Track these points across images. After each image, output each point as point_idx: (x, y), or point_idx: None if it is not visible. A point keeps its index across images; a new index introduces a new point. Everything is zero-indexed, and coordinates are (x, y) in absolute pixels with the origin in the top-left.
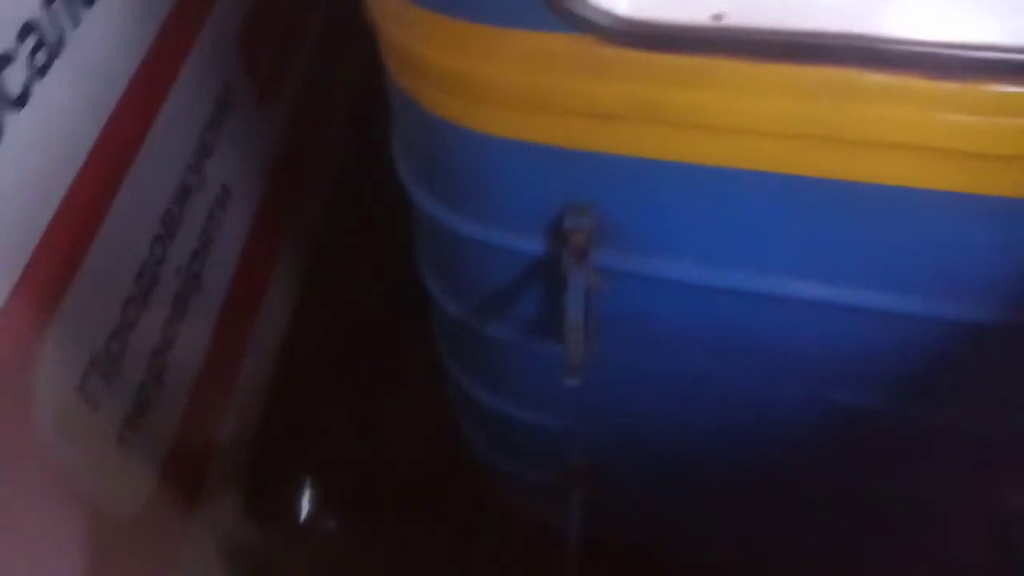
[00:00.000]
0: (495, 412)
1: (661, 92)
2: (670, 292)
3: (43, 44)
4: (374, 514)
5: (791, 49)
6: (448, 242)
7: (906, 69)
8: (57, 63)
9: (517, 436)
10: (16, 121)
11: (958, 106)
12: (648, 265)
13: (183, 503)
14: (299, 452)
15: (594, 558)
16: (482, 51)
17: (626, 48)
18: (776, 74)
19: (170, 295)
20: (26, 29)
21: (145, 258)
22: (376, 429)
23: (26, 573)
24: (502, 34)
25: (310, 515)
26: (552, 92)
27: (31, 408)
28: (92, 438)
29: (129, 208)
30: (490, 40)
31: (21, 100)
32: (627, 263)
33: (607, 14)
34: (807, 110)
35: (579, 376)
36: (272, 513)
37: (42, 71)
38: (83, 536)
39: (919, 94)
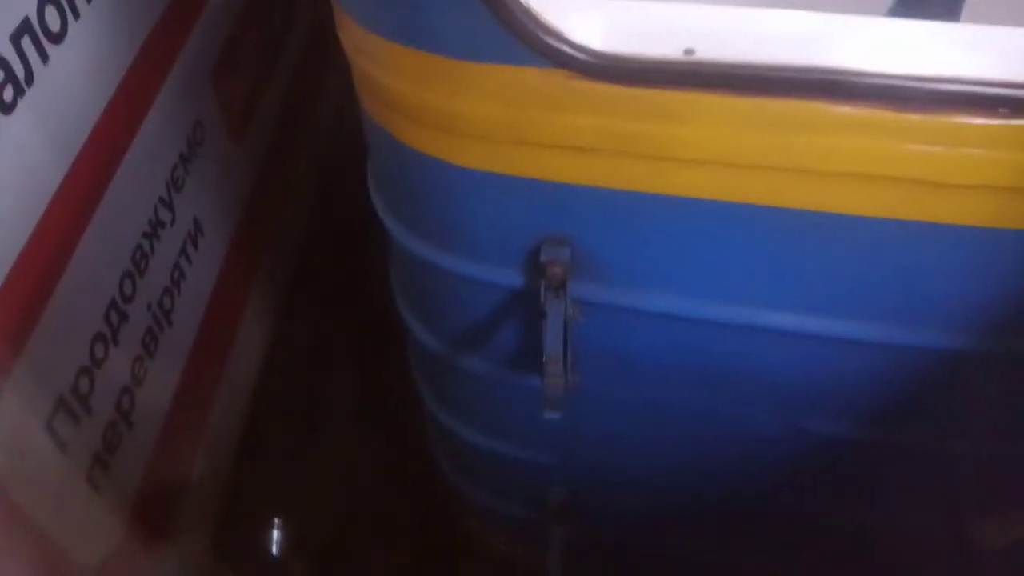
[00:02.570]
0: (474, 447)
1: (634, 125)
2: (647, 322)
3: (10, 81)
4: (345, 556)
5: (760, 82)
6: (424, 275)
7: (872, 101)
8: (24, 100)
9: (497, 471)
10: None
11: (923, 137)
12: (625, 296)
13: (151, 543)
14: (270, 491)
15: None
16: (456, 85)
17: (600, 82)
18: (746, 107)
19: (140, 332)
20: None
21: (114, 295)
22: (350, 468)
23: None
24: (476, 68)
25: (280, 556)
26: (526, 125)
27: None
28: (60, 479)
29: (98, 245)
30: (464, 74)
31: None
32: (604, 294)
33: (582, 49)
34: (776, 142)
35: (559, 409)
36: (242, 553)
37: (8, 108)
38: None
39: (884, 126)
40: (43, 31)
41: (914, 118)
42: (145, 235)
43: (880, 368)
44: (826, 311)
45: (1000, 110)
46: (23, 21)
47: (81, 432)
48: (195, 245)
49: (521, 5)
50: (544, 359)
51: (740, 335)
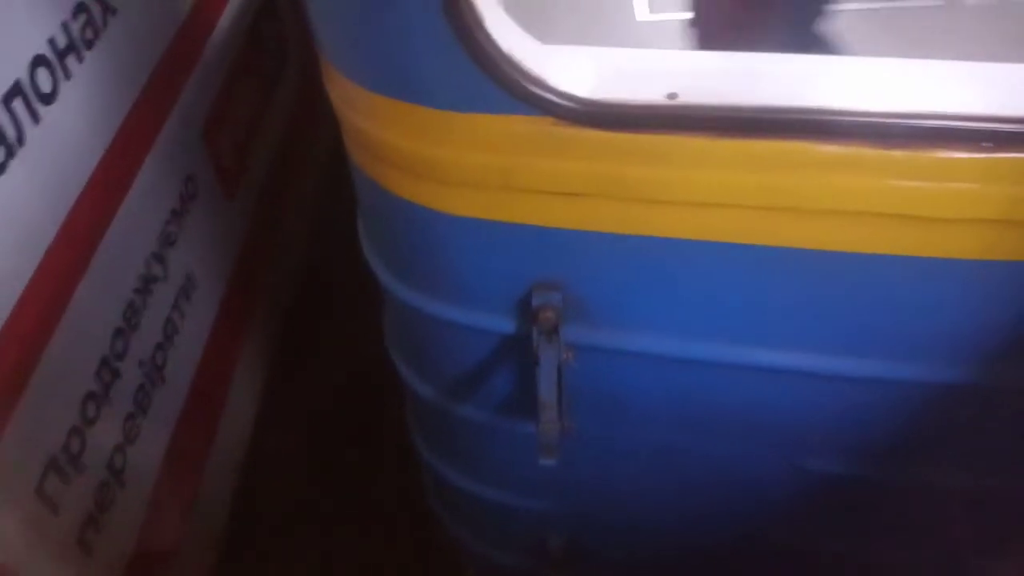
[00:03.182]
0: (470, 495)
1: (620, 169)
2: (641, 365)
3: (1, 142)
4: None
5: (743, 124)
6: (415, 322)
7: (855, 139)
8: (15, 161)
9: (494, 519)
10: None
11: (908, 173)
12: (618, 339)
13: None
14: (263, 552)
15: None
16: (443, 135)
17: (585, 128)
18: (730, 148)
19: (132, 389)
20: None
21: (106, 352)
22: (347, 529)
23: None
24: (462, 118)
25: None
26: (513, 172)
27: None
28: (51, 542)
29: (89, 302)
30: (451, 124)
31: None
32: (598, 338)
33: (567, 96)
34: (761, 182)
35: (555, 455)
36: None
37: None
38: None
39: (869, 163)
40: (35, 93)
41: (898, 154)
42: (137, 291)
43: (877, 404)
44: (819, 348)
45: (983, 144)
46: (14, 84)
47: (72, 493)
48: (188, 299)
49: (505, 55)
50: (538, 405)
51: (734, 375)
